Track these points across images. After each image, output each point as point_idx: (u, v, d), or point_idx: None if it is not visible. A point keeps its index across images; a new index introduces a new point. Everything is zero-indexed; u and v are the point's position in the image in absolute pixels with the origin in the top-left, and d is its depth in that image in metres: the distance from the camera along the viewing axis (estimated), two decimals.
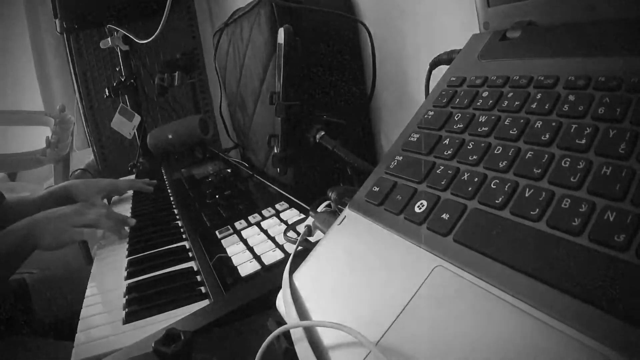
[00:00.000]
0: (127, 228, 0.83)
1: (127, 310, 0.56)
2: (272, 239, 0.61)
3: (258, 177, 0.92)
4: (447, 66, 0.43)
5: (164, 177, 1.22)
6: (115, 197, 1.10)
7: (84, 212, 0.78)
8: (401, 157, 0.37)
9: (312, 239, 0.47)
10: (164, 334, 0.35)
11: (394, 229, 0.31)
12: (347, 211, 0.37)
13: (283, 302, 0.34)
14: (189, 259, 0.67)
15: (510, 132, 0.31)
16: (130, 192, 1.13)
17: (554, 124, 0.29)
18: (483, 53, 0.40)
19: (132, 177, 1.38)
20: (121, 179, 1.29)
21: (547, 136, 0.28)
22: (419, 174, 0.33)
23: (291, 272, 0.36)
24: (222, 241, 0.65)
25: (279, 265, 0.54)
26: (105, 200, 1.09)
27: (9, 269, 0.73)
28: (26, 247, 0.73)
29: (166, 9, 0.88)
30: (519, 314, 0.22)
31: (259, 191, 0.85)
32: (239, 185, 0.91)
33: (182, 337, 0.34)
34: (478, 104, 0.35)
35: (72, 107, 1.88)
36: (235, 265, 0.56)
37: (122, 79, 1.44)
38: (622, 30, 0.31)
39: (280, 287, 0.36)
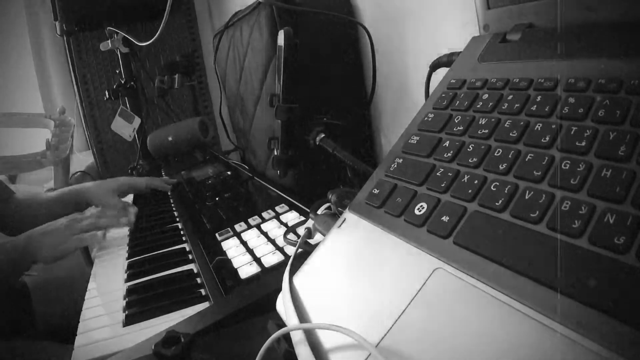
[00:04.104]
0: (124, 219, 0.82)
1: (127, 312, 0.56)
2: (272, 242, 0.61)
3: (258, 179, 0.92)
4: (447, 68, 0.43)
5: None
6: None
7: (80, 219, 0.78)
8: (401, 160, 0.37)
9: (312, 242, 0.47)
10: (164, 336, 0.35)
11: (394, 231, 0.31)
12: (347, 213, 0.37)
13: (283, 305, 0.34)
14: (189, 261, 0.67)
15: (510, 134, 0.31)
16: (131, 195, 1.13)
17: (554, 126, 0.29)
18: (483, 55, 0.40)
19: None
20: (137, 177, 1.28)
21: (547, 138, 0.28)
22: (419, 176, 0.33)
23: (291, 274, 0.36)
24: (222, 243, 0.65)
25: (279, 267, 0.54)
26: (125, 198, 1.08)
27: (6, 282, 0.73)
28: (23, 262, 0.73)
29: (166, 12, 0.88)
30: (519, 316, 0.22)
31: (259, 193, 0.85)
32: (239, 187, 0.91)
33: (182, 340, 0.34)
34: (478, 106, 0.35)
35: (72, 110, 1.88)
36: (235, 267, 0.56)
37: (122, 81, 1.44)
38: (622, 33, 0.31)
39: (280, 290, 0.36)
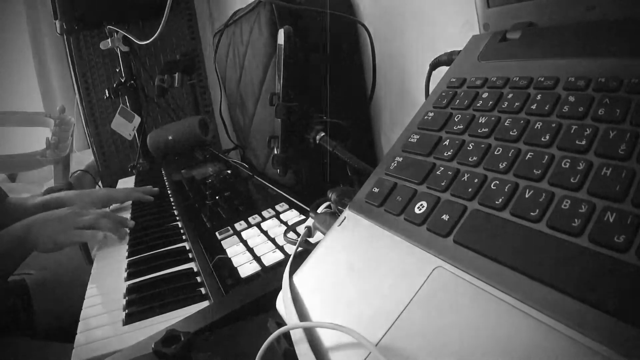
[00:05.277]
0: (126, 229, 0.83)
1: (127, 311, 0.56)
2: (272, 240, 0.61)
3: (258, 178, 0.92)
4: (447, 67, 0.43)
5: (164, 178, 1.22)
6: (115, 204, 1.08)
7: (83, 214, 0.78)
8: (401, 158, 0.37)
9: (312, 240, 0.47)
10: (164, 335, 0.35)
11: (394, 230, 0.31)
12: (347, 212, 0.37)
13: (283, 303, 0.34)
14: (189, 260, 0.67)
15: (510, 133, 0.31)
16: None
17: (554, 125, 0.29)
18: (483, 54, 0.40)
19: (132, 178, 1.38)
20: (118, 188, 1.28)
21: (547, 137, 0.28)
22: (419, 175, 0.33)
23: (291, 273, 0.36)
24: (222, 242, 0.65)
25: (279, 266, 0.54)
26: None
27: (5, 271, 0.73)
28: (23, 250, 0.72)
29: (166, 10, 0.88)
30: (518, 314, 0.22)
31: (259, 192, 0.85)
32: (239, 186, 0.91)
33: (182, 338, 0.34)
34: (478, 105, 0.35)
35: (72, 108, 1.88)
36: (236, 266, 0.56)
37: (122, 80, 1.44)
38: (622, 31, 0.31)
39: (280, 288, 0.36)
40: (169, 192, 1.07)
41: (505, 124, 0.32)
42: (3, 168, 1.87)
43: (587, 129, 0.27)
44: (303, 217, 0.65)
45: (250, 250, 0.59)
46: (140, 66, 1.49)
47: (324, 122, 0.64)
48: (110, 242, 0.81)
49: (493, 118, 0.33)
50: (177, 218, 0.87)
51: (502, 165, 0.29)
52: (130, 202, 1.04)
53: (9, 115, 1.98)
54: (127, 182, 1.36)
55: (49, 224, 0.74)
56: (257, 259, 0.56)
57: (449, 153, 0.33)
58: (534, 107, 0.31)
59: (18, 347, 0.73)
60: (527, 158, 0.28)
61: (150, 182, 1.15)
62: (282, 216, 0.68)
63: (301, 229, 0.47)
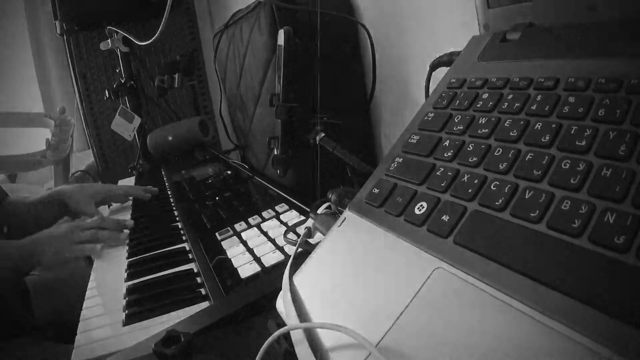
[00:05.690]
0: (126, 231, 0.83)
1: (127, 312, 0.56)
2: (272, 241, 0.61)
3: (258, 178, 0.92)
4: (447, 68, 0.43)
5: (164, 178, 1.22)
6: (116, 205, 1.07)
7: (83, 226, 0.80)
8: (401, 159, 0.37)
9: (312, 241, 0.47)
10: (164, 336, 0.35)
11: (394, 231, 0.31)
12: (347, 213, 0.37)
13: (283, 304, 0.34)
14: (189, 261, 0.67)
15: (510, 133, 0.31)
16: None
17: (554, 125, 0.29)
18: (483, 55, 0.40)
19: (132, 179, 1.38)
20: (118, 184, 1.28)
21: (547, 138, 0.28)
22: (419, 176, 0.33)
23: (291, 273, 0.36)
24: (222, 243, 0.65)
25: (279, 267, 0.54)
26: (106, 207, 1.08)
27: (10, 283, 0.75)
28: (27, 265, 0.75)
29: (166, 11, 0.88)
30: (518, 315, 0.22)
31: (259, 193, 0.85)
32: (239, 186, 0.91)
33: (182, 339, 0.34)
34: (478, 105, 0.35)
35: (72, 109, 1.88)
36: (236, 267, 0.56)
37: (122, 81, 1.44)
38: (622, 32, 0.31)
39: (280, 289, 0.36)
40: (169, 192, 1.07)
41: (505, 124, 0.32)
42: (3, 168, 1.87)
43: (587, 130, 0.27)
44: (303, 217, 0.65)
45: (250, 250, 0.59)
46: (140, 67, 1.49)
47: (324, 122, 0.64)
48: (109, 246, 0.81)
49: (493, 119, 0.33)
50: (177, 218, 0.87)
51: (502, 166, 0.29)
52: (131, 202, 1.04)
53: (9, 116, 1.97)
54: (127, 183, 1.36)
55: (52, 240, 0.77)
56: (257, 259, 0.56)
57: (449, 154, 0.33)
58: (534, 107, 0.31)
59: (18, 348, 0.73)
60: (527, 159, 0.28)
61: (150, 183, 1.15)
62: (282, 217, 0.68)
63: (301, 230, 0.47)
